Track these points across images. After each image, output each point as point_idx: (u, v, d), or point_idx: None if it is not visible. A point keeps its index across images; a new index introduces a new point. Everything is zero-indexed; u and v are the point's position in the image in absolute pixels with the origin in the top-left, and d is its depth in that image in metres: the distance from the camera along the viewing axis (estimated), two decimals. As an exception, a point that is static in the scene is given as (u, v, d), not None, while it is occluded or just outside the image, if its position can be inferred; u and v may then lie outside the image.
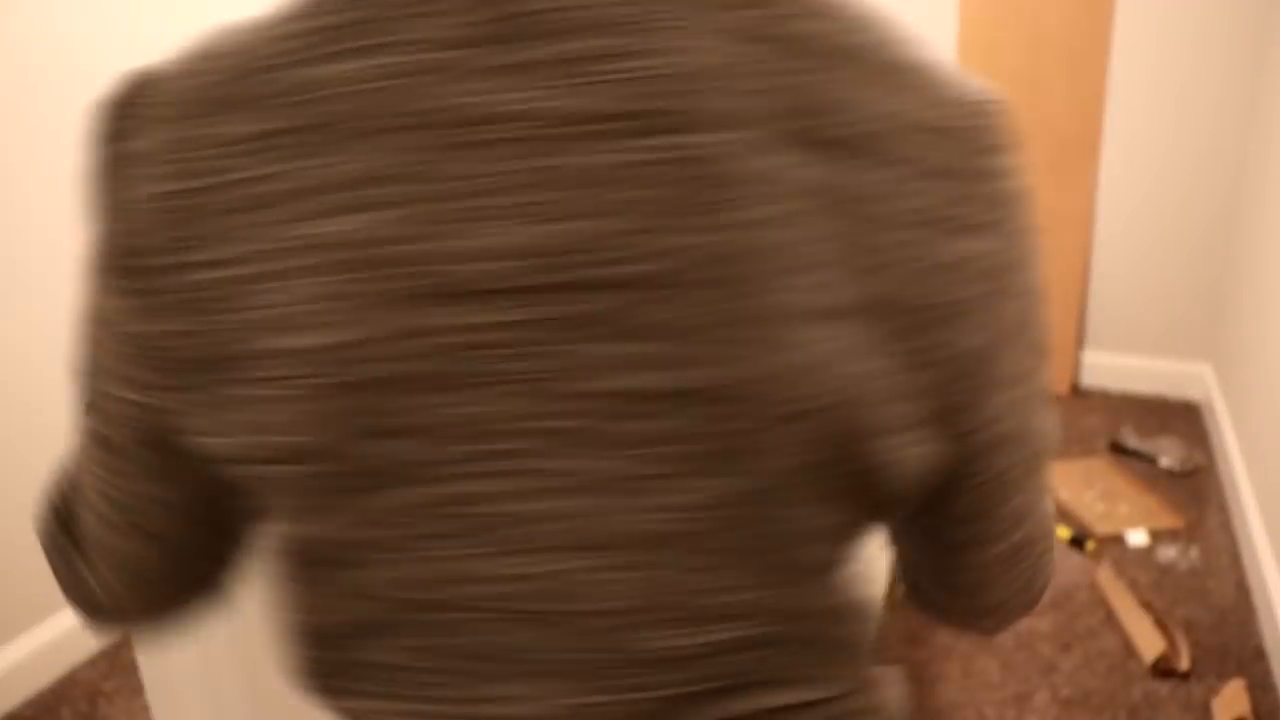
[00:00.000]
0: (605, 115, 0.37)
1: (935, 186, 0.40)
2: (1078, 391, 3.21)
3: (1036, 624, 2.10)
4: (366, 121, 0.37)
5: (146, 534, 0.48)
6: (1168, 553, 2.32)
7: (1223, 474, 2.64)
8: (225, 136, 0.39)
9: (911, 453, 0.42)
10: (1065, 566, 2.29)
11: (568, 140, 0.37)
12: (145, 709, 1.92)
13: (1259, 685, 1.90)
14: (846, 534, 0.44)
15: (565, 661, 0.43)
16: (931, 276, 0.40)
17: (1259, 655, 1.98)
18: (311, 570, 0.44)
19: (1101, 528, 2.42)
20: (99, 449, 0.46)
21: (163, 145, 0.40)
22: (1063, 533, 2.38)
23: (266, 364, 0.39)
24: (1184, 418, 3.01)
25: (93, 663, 2.08)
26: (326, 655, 0.46)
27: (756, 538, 0.41)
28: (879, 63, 0.40)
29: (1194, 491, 2.60)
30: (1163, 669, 1.93)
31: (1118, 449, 2.82)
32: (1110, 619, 2.11)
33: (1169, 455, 2.73)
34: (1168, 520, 2.45)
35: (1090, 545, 2.34)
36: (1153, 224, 3.00)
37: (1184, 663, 1.93)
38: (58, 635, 2.03)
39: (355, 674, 0.45)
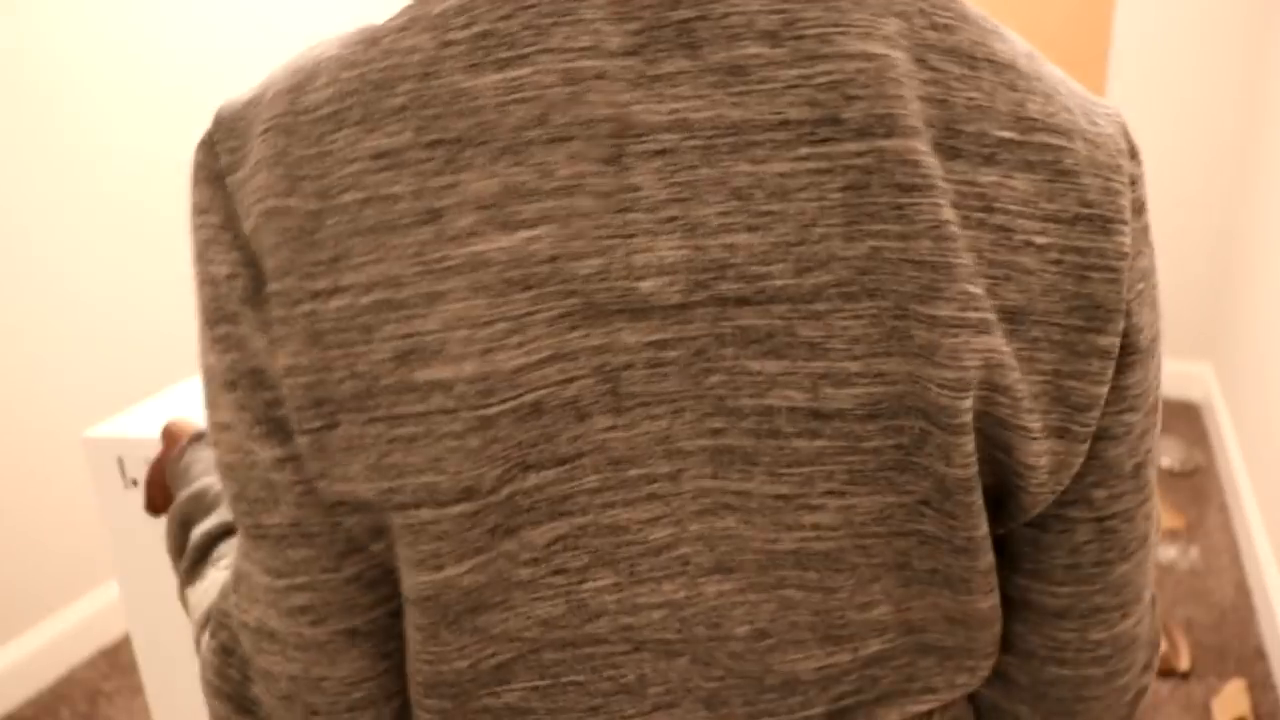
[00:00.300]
0: (775, 123, 0.36)
1: (1078, 185, 0.40)
2: (1078, 391, 3.21)
3: (1036, 624, 2.10)
4: (513, 135, 0.36)
5: (350, 635, 0.43)
6: (1168, 553, 2.32)
7: (1223, 474, 2.64)
8: (346, 154, 0.37)
9: (1053, 460, 0.42)
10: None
11: (732, 150, 0.36)
12: (145, 709, 1.92)
13: (1259, 685, 1.90)
14: (987, 544, 0.43)
15: (695, 690, 0.42)
16: (1077, 278, 0.40)
17: (1259, 655, 1.98)
18: (443, 618, 0.40)
19: (1101, 528, 2.42)
20: (267, 551, 0.42)
21: (274, 167, 0.38)
22: (1063, 533, 2.38)
23: (406, 399, 0.36)
24: (1184, 418, 3.01)
25: (93, 663, 2.08)
26: (453, 704, 0.43)
27: (903, 551, 0.41)
28: (1016, 69, 0.40)
29: (1194, 491, 2.60)
30: (1163, 669, 1.93)
31: (1118, 449, 2.82)
32: (1110, 619, 2.11)
33: (1169, 455, 2.73)
34: (1168, 520, 2.44)
35: (1090, 545, 2.34)
36: (1153, 224, 3.00)
37: (1184, 663, 1.93)
38: (58, 635, 2.03)
39: (501, 713, 0.43)
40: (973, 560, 0.42)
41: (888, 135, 0.36)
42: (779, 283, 0.36)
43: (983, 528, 0.42)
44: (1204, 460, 2.76)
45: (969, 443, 0.39)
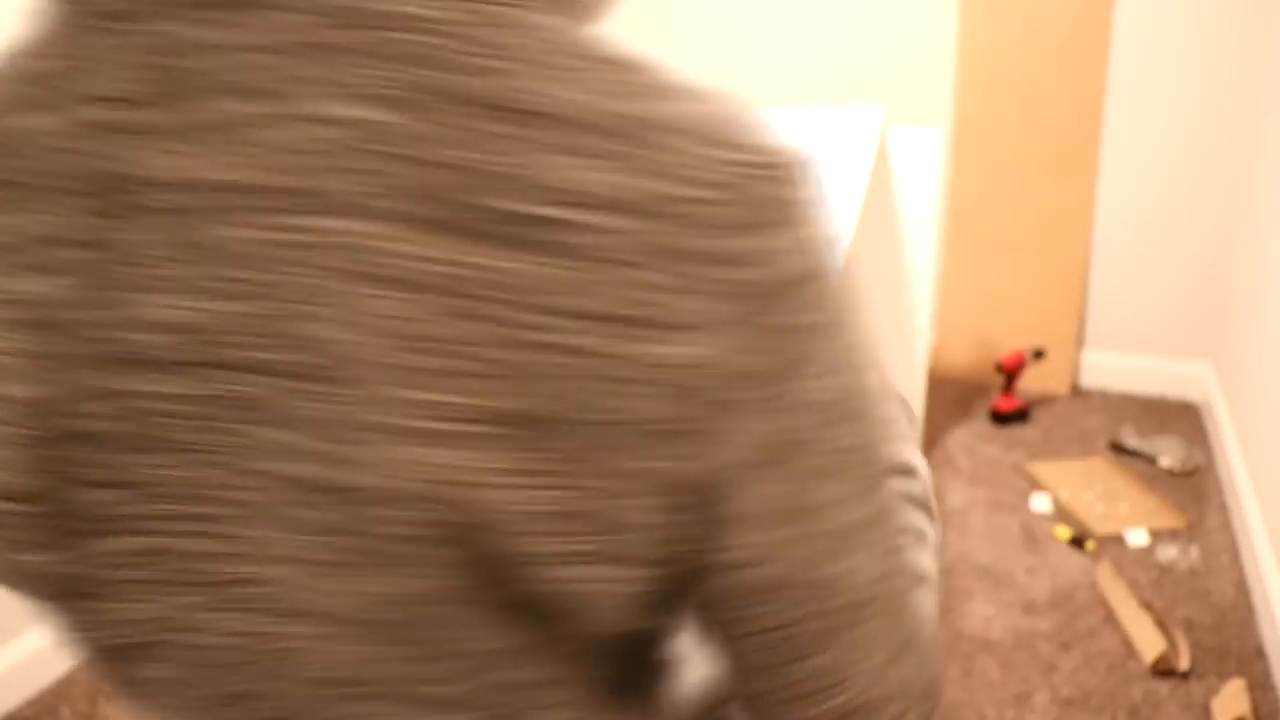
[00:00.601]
0: (244, 188, 0.35)
1: (627, 278, 0.34)
2: (1078, 391, 3.21)
3: (1036, 624, 2.10)
4: (46, 181, 0.37)
5: None
6: (1168, 553, 2.32)
7: (1223, 474, 2.64)
8: None
9: (607, 587, 0.38)
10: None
11: (215, 212, 0.35)
12: (145, 709, 1.93)
13: (1259, 685, 1.90)
14: (553, 654, 0.41)
15: (299, 711, 0.43)
16: (609, 390, 0.34)
17: (1259, 655, 1.98)
18: (49, 595, 0.43)
19: (1101, 527, 2.42)
20: None
21: None
22: (1063, 533, 2.39)
23: None
24: (1184, 418, 3.02)
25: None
26: (107, 665, 0.46)
27: (442, 642, 0.39)
28: (580, 125, 0.34)
29: (1194, 491, 2.60)
30: (1163, 669, 1.93)
31: (1118, 449, 2.82)
32: (1110, 619, 2.11)
33: (1169, 455, 2.73)
34: (1168, 520, 2.45)
35: (1090, 545, 2.34)
36: (1153, 223, 3.00)
37: (1184, 663, 1.93)
38: (58, 635, 2.03)
39: (136, 685, 0.46)
40: (488, 674, 0.40)
41: (353, 214, 0.34)
42: (257, 355, 0.35)
43: (518, 638, 0.39)
44: (1204, 460, 2.76)
45: (432, 554, 0.36)
